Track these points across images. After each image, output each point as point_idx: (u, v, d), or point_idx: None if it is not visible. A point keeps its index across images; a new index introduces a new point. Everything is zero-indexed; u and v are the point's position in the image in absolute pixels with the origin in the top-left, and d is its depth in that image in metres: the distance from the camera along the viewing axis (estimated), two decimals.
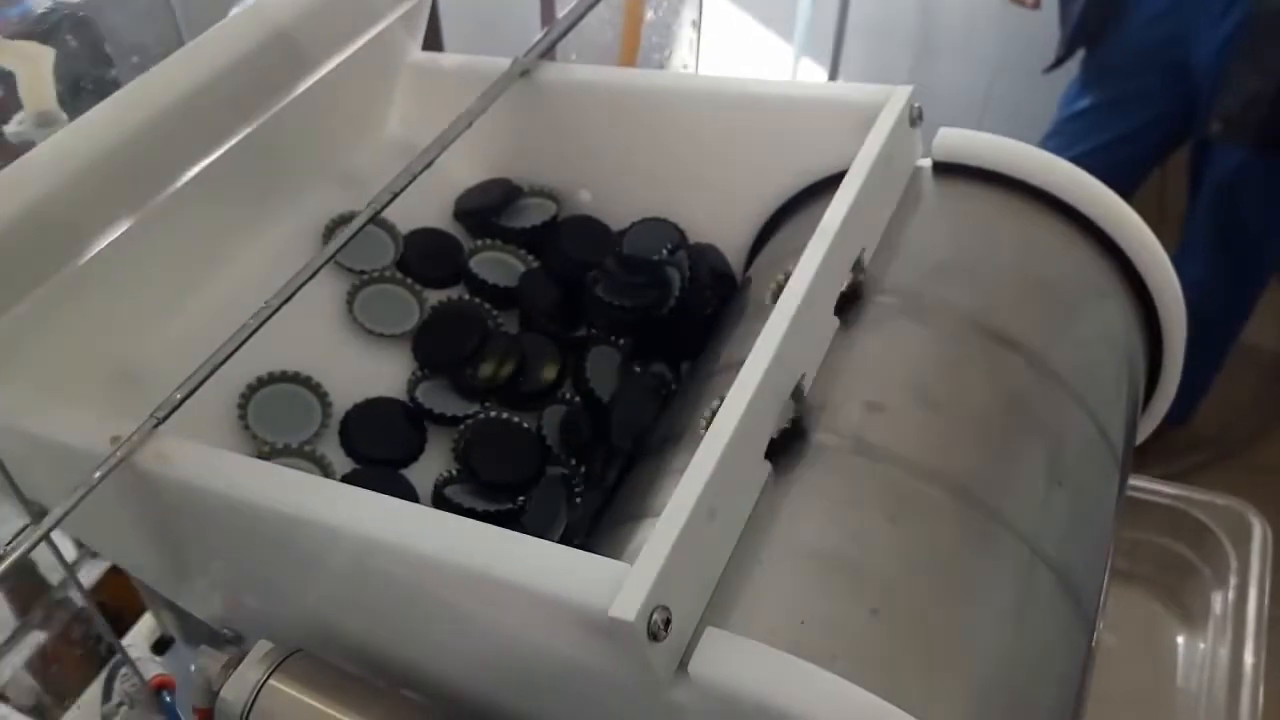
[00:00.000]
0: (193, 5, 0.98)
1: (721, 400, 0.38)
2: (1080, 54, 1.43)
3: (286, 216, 0.62)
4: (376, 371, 0.60)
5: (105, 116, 0.47)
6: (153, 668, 0.52)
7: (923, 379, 0.44)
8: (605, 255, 0.62)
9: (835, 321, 0.46)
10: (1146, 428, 0.59)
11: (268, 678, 0.39)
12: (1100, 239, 0.52)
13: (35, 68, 0.65)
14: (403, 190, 0.53)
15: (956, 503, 0.39)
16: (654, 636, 0.32)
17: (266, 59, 0.52)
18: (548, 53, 0.65)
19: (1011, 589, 0.39)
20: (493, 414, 0.57)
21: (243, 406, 0.54)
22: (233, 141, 0.51)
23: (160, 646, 0.80)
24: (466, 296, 0.63)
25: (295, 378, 0.56)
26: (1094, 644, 0.42)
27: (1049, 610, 0.40)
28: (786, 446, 0.41)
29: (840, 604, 0.35)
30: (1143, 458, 0.57)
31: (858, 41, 1.92)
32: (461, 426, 0.57)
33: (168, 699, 0.48)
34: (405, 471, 0.56)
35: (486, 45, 0.70)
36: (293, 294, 0.47)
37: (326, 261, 0.50)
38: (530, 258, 0.65)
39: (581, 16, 0.65)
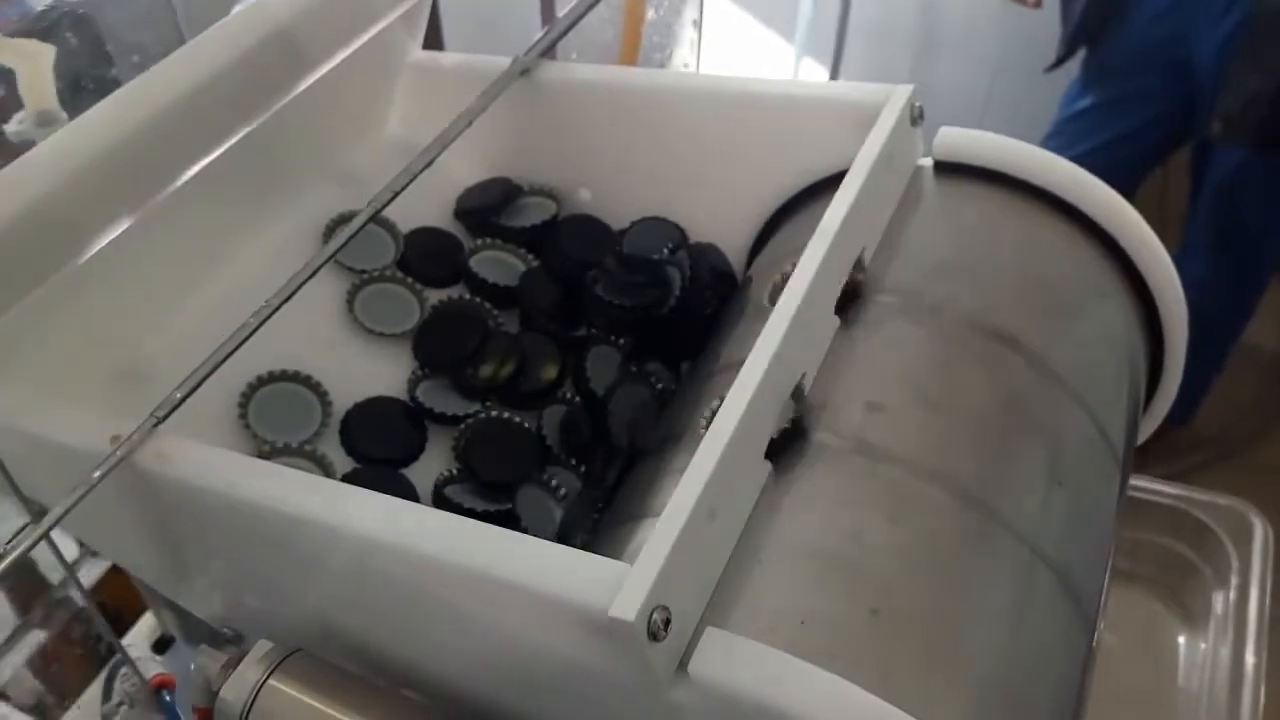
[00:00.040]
0: (194, 4, 0.98)
1: (721, 400, 0.38)
2: (1081, 53, 1.43)
3: (287, 216, 0.62)
4: (377, 371, 0.60)
5: (105, 115, 0.47)
6: (153, 667, 0.52)
7: (923, 379, 0.44)
8: (605, 254, 0.62)
9: (836, 321, 0.46)
10: (1148, 428, 0.59)
11: (267, 677, 0.39)
12: (1101, 238, 0.52)
13: (35, 66, 0.65)
14: (403, 189, 0.53)
15: (956, 503, 0.39)
16: (654, 636, 0.32)
17: (267, 58, 0.52)
18: (548, 52, 0.65)
19: (1011, 589, 0.39)
20: (493, 413, 0.57)
21: (243, 406, 0.54)
22: (233, 140, 0.51)
23: (161, 646, 0.80)
24: (467, 296, 0.63)
25: (296, 377, 0.56)
26: (1094, 644, 0.42)
27: (1049, 610, 0.40)
28: (786, 446, 0.41)
29: (840, 604, 0.35)
30: (1144, 458, 0.56)
31: (859, 41, 1.92)
32: (462, 426, 0.57)
33: (168, 698, 0.48)
34: (406, 471, 0.56)
35: (487, 45, 0.70)
36: (293, 293, 0.47)
37: (327, 261, 0.49)
38: (530, 257, 0.65)
39: (582, 16, 0.65)
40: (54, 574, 0.81)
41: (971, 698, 0.35)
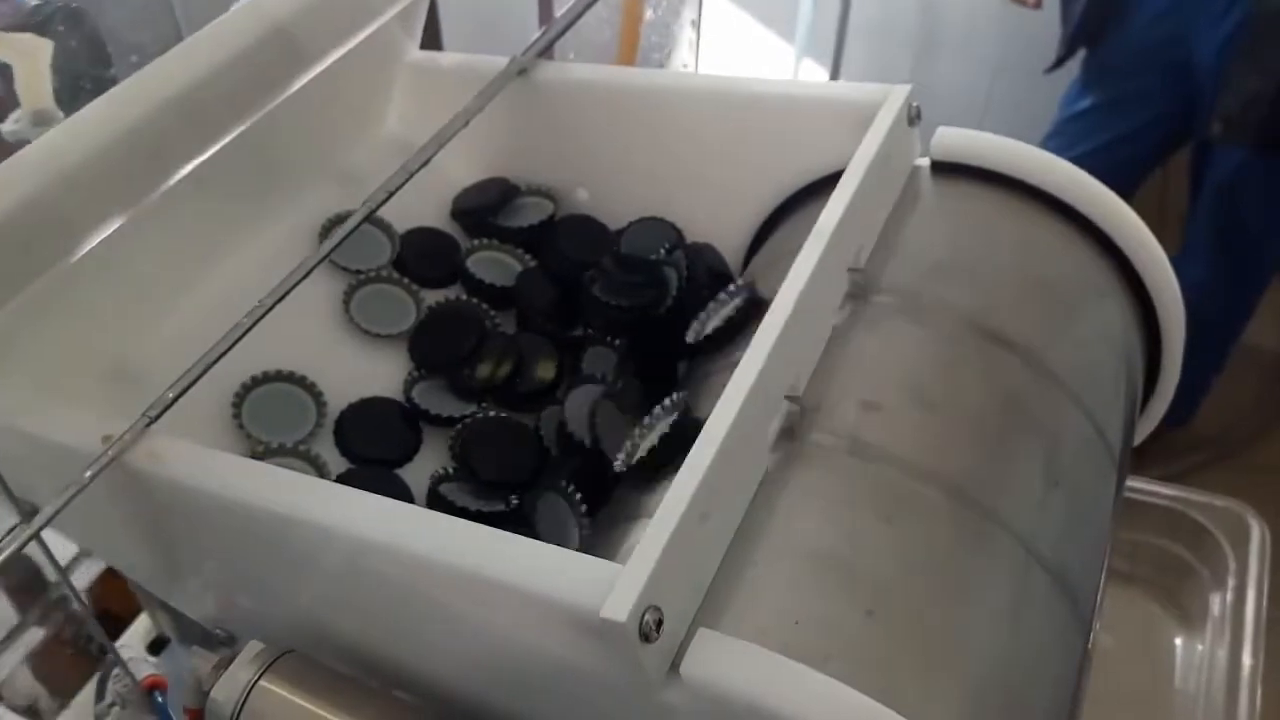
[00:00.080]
0: (192, 3, 0.98)
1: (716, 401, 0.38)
2: (1081, 54, 1.43)
3: (284, 215, 0.62)
4: (373, 371, 0.60)
5: (100, 113, 0.47)
6: (146, 668, 0.52)
7: (919, 379, 0.44)
8: (602, 255, 0.62)
9: (831, 321, 0.46)
10: (1145, 428, 0.59)
11: (258, 678, 0.39)
12: (1099, 239, 0.52)
13: (33, 62, 0.64)
14: (399, 189, 0.53)
15: (952, 503, 0.39)
16: (646, 638, 0.32)
17: (263, 55, 0.52)
18: (545, 51, 0.64)
19: (1007, 590, 0.38)
20: (490, 413, 0.57)
21: (237, 406, 0.54)
22: (229, 138, 0.51)
23: (156, 647, 0.80)
24: (463, 296, 0.63)
25: (290, 377, 0.56)
26: (1091, 645, 0.42)
27: (1045, 611, 0.39)
28: (782, 446, 0.40)
29: (834, 605, 0.35)
30: (1143, 458, 0.56)
31: (859, 42, 1.92)
32: (459, 426, 0.57)
33: (159, 699, 0.48)
34: (400, 472, 0.56)
35: (486, 45, 0.70)
36: (286, 293, 0.47)
37: (321, 260, 0.49)
38: (527, 257, 0.65)
39: (580, 15, 0.64)
40: (53, 573, 0.81)
41: (967, 699, 0.34)
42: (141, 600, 0.77)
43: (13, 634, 0.84)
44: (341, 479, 0.54)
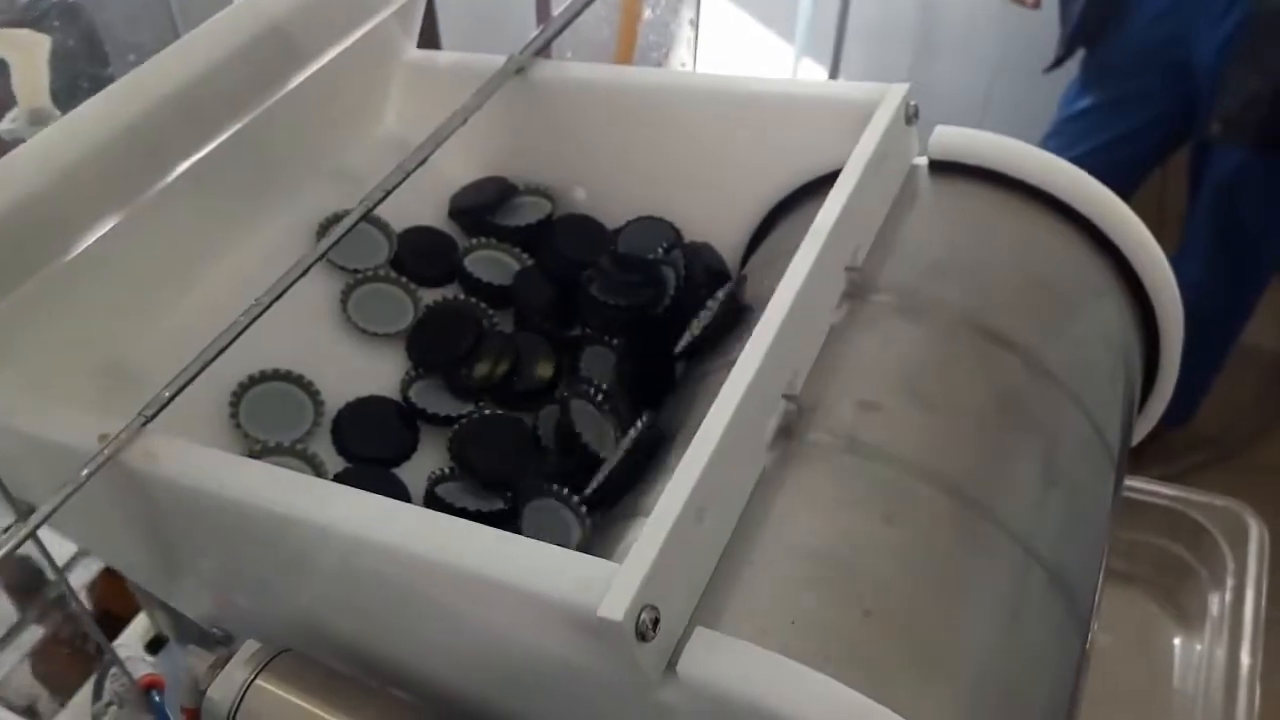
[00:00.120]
0: (190, 1, 0.98)
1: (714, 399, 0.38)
2: (1080, 54, 1.43)
3: (281, 214, 0.62)
4: (370, 371, 0.60)
5: (97, 111, 0.47)
6: (144, 667, 0.52)
7: (917, 378, 0.44)
8: (600, 254, 0.62)
9: (829, 320, 0.46)
10: (1143, 428, 0.59)
11: (255, 677, 0.39)
12: (1097, 238, 0.52)
13: (30, 58, 0.64)
14: (396, 187, 0.53)
15: (950, 502, 0.39)
16: (642, 636, 0.32)
17: (260, 53, 0.52)
18: (543, 50, 0.64)
19: (1005, 590, 0.38)
20: (487, 412, 0.57)
21: (234, 405, 0.54)
22: (225, 136, 0.51)
23: (154, 646, 0.80)
24: (461, 295, 0.63)
25: (288, 376, 0.56)
26: (1089, 645, 0.42)
27: (1042, 611, 0.39)
28: (779, 445, 0.40)
29: (832, 604, 0.35)
30: (1142, 458, 0.56)
31: (858, 41, 1.92)
32: (456, 425, 0.57)
33: (157, 698, 0.48)
34: (398, 471, 0.56)
35: (483, 43, 0.70)
36: (283, 291, 0.47)
37: (318, 259, 0.49)
38: (525, 256, 0.65)
39: (577, 14, 0.64)
40: (50, 572, 0.81)
41: (964, 698, 0.34)
42: (140, 599, 0.77)
43: (11, 633, 0.84)
44: (339, 478, 0.54)
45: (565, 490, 0.50)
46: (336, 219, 0.62)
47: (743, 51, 2.09)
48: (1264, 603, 0.66)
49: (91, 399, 0.51)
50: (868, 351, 0.45)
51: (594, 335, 0.61)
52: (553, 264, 0.64)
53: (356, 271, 0.62)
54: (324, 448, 0.56)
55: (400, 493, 0.55)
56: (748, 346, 0.40)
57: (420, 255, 0.64)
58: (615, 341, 0.60)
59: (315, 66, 0.55)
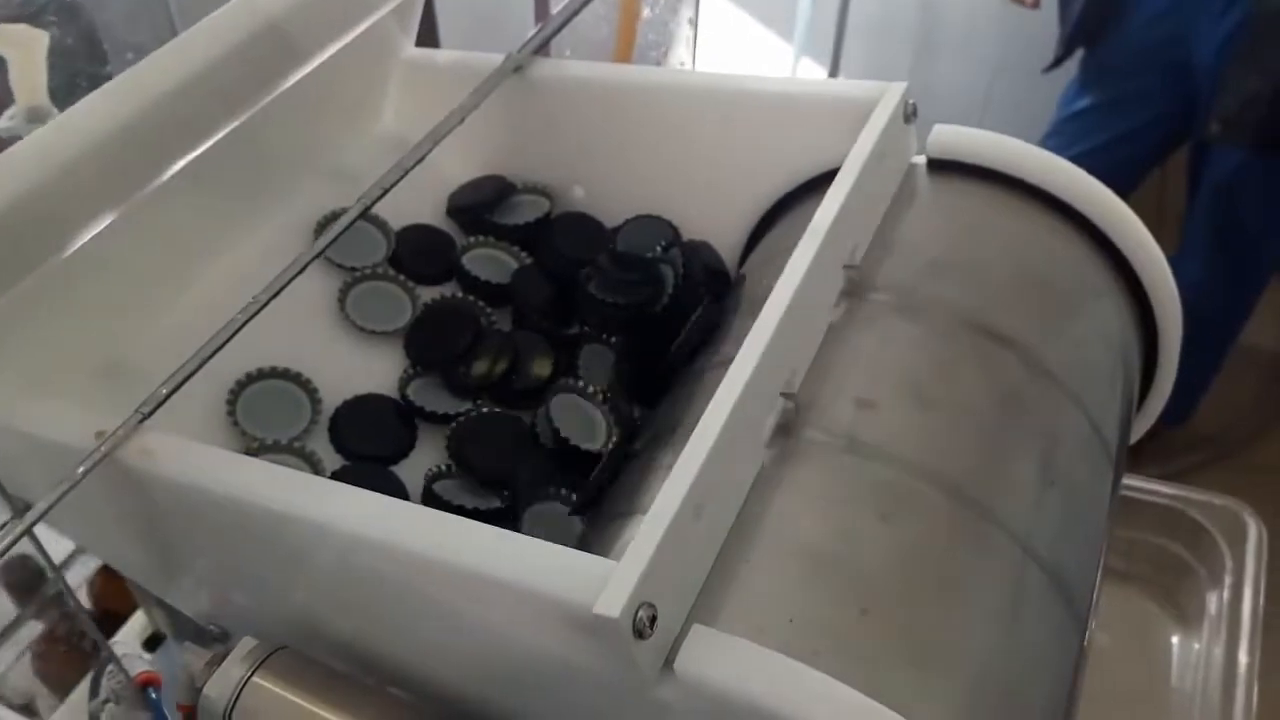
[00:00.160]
0: (190, 1, 0.98)
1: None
2: (1079, 54, 1.43)
3: (279, 212, 0.62)
4: (368, 369, 0.60)
5: (94, 108, 0.47)
6: (141, 665, 0.52)
7: (915, 376, 0.44)
8: (598, 252, 0.62)
9: (827, 319, 0.46)
10: (1141, 426, 0.59)
11: (251, 674, 0.39)
12: (1095, 236, 0.52)
13: (28, 54, 0.64)
14: (394, 185, 0.53)
15: (948, 501, 0.39)
16: (639, 634, 0.32)
17: (257, 51, 0.52)
18: (541, 49, 0.64)
19: (1003, 588, 0.38)
20: (485, 410, 0.57)
21: (232, 403, 0.54)
22: (222, 134, 0.51)
23: (152, 644, 0.80)
24: (459, 294, 0.63)
25: (285, 374, 0.56)
26: (1086, 643, 0.42)
27: (1040, 609, 0.39)
28: (777, 444, 0.40)
29: (829, 602, 0.35)
30: (1141, 458, 0.56)
31: (858, 41, 1.92)
32: (454, 423, 0.57)
33: (153, 695, 0.48)
34: (395, 469, 0.56)
35: (482, 42, 0.70)
36: (280, 289, 0.47)
37: (316, 256, 0.49)
38: (523, 255, 0.65)
39: (576, 12, 0.64)
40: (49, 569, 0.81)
41: (962, 696, 0.34)
42: (137, 597, 0.77)
43: (8, 630, 0.84)
44: (336, 476, 0.54)
45: (565, 492, 0.51)
46: (334, 217, 0.62)
47: (742, 51, 2.09)
48: (1262, 601, 0.66)
49: (89, 397, 0.51)
50: (866, 350, 0.45)
51: (592, 334, 0.60)
52: (551, 262, 0.64)
53: (354, 269, 0.62)
54: (321, 445, 0.56)
55: (398, 491, 0.54)
56: (745, 344, 0.40)
57: (418, 253, 0.64)
58: (614, 340, 0.60)
59: (313, 64, 0.55)
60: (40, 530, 0.41)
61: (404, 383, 0.59)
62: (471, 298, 0.63)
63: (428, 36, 0.73)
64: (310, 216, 0.63)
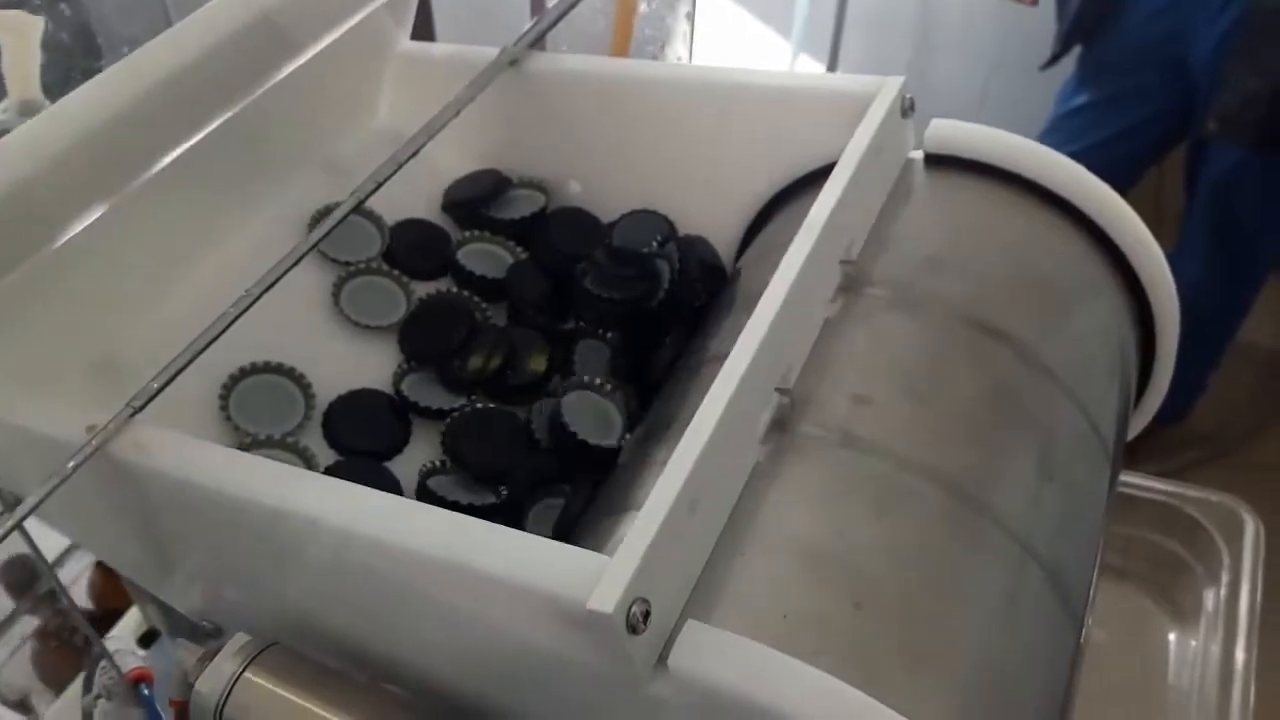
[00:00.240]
0: None
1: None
2: (1077, 50, 1.43)
3: (273, 206, 0.62)
4: (362, 364, 0.59)
5: (87, 99, 0.46)
6: (134, 661, 0.51)
7: (911, 372, 0.43)
8: (594, 247, 0.61)
9: (823, 314, 0.46)
10: (1139, 423, 0.58)
11: (243, 670, 0.39)
12: (1093, 231, 0.52)
13: (23, 40, 0.63)
14: (388, 179, 0.53)
15: (944, 497, 0.39)
16: (633, 629, 0.31)
17: (251, 43, 0.51)
18: (537, 42, 0.64)
19: (999, 584, 0.38)
20: (479, 405, 0.57)
21: (224, 397, 0.54)
22: (215, 124, 0.50)
23: (146, 640, 0.79)
24: (454, 288, 0.63)
25: (279, 369, 0.56)
26: (1083, 640, 0.42)
27: (1037, 606, 0.39)
28: (773, 439, 0.40)
29: (824, 598, 0.35)
30: (1138, 455, 0.56)
31: (856, 37, 1.91)
32: (448, 419, 0.56)
33: (146, 691, 0.47)
34: (389, 464, 0.56)
35: (479, 37, 0.70)
36: (273, 283, 0.47)
37: (309, 250, 0.49)
38: (519, 249, 0.65)
39: (572, 6, 0.64)
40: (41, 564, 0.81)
41: (957, 692, 0.34)
42: (132, 594, 0.77)
43: (3, 627, 0.84)
44: (329, 471, 0.54)
45: (569, 489, 0.50)
46: (329, 211, 0.62)
47: (739, 48, 2.09)
48: (1259, 598, 0.66)
49: (82, 392, 0.51)
50: (862, 345, 0.45)
51: (588, 329, 0.60)
52: (547, 257, 0.64)
53: (349, 264, 0.61)
54: (315, 441, 0.55)
55: (392, 486, 0.54)
56: (740, 339, 0.39)
57: (413, 248, 0.64)
58: (609, 335, 0.60)
59: (307, 56, 0.54)
60: (37, 527, 0.41)
61: (398, 378, 0.59)
62: (466, 293, 0.62)
63: (424, 31, 0.73)
64: (305, 210, 0.62)
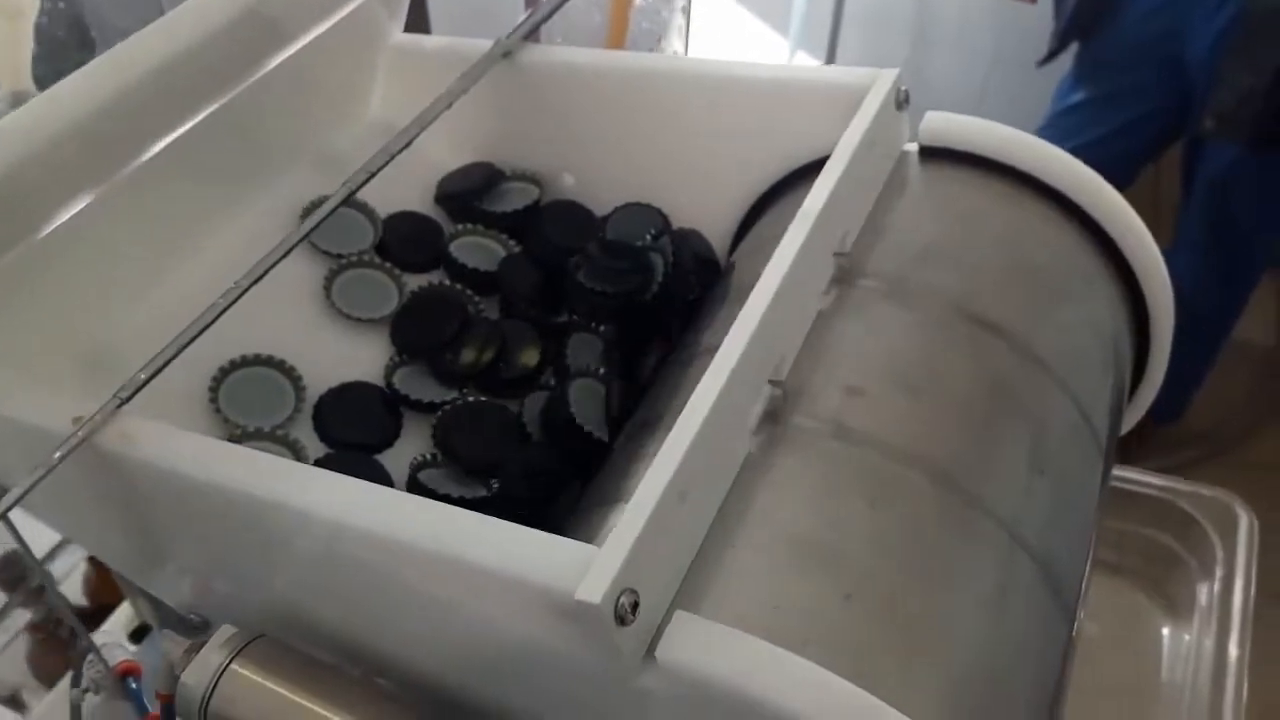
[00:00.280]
0: None
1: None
2: (1074, 48, 1.43)
3: (265, 198, 0.61)
4: (354, 357, 0.59)
5: (78, 86, 0.46)
6: (125, 655, 0.51)
7: (904, 364, 0.43)
8: (588, 240, 0.61)
9: (816, 306, 0.45)
10: (1133, 417, 0.58)
11: (229, 662, 0.38)
12: (1087, 224, 0.52)
13: (15, 24, 0.62)
14: (379, 170, 0.52)
15: (936, 489, 0.39)
16: (621, 620, 0.31)
17: (242, 32, 0.51)
18: (531, 34, 0.64)
19: (990, 576, 0.38)
20: (471, 399, 0.57)
21: (214, 390, 0.53)
22: (205, 113, 0.50)
23: (138, 635, 0.79)
24: (446, 281, 0.63)
25: (269, 361, 0.55)
26: (1075, 634, 0.42)
27: (1028, 598, 0.39)
28: (764, 430, 0.40)
29: (815, 589, 0.35)
30: (1135, 454, 0.56)
31: (853, 34, 1.91)
32: (440, 412, 0.56)
33: (133, 685, 0.47)
34: (380, 458, 0.56)
35: (475, 33, 0.69)
36: (263, 274, 0.47)
37: (300, 240, 0.49)
38: (512, 242, 0.65)
39: None
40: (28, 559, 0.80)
41: (947, 684, 0.34)
42: (123, 588, 0.76)
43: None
44: (320, 464, 0.54)
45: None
46: (321, 204, 0.61)
47: (737, 46, 2.09)
48: (1253, 593, 0.66)
49: (72, 384, 0.51)
50: (855, 337, 0.44)
51: (581, 322, 0.60)
52: (540, 250, 0.64)
53: (341, 256, 0.61)
54: (306, 434, 0.55)
55: (382, 479, 0.54)
56: (732, 331, 0.39)
57: (405, 241, 0.63)
58: (602, 329, 0.60)
59: (299, 46, 0.54)
60: (28, 520, 0.41)
61: (390, 371, 0.58)
62: (459, 286, 0.62)
63: (419, 25, 0.73)
64: (297, 203, 0.62)
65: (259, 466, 0.40)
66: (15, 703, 0.86)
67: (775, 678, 0.31)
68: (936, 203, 0.52)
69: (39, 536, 0.45)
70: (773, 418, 0.41)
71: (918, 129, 0.54)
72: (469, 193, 0.65)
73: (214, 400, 0.53)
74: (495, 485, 0.53)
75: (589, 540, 0.34)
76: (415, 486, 0.53)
